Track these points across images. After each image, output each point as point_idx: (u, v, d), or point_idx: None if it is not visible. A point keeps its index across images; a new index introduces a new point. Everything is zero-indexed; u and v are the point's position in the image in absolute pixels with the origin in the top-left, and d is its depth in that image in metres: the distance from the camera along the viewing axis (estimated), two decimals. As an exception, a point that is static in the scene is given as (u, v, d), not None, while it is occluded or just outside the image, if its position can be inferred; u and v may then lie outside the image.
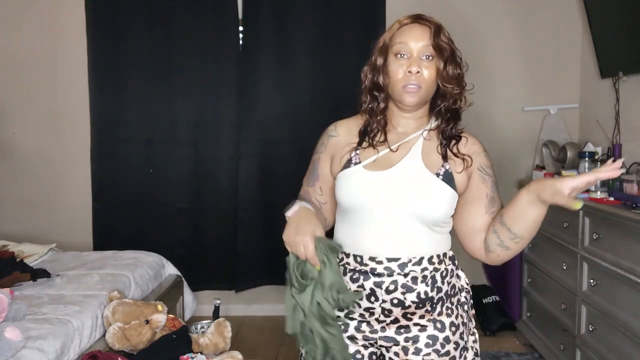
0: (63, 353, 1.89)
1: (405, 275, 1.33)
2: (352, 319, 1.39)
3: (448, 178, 1.34)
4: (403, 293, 1.33)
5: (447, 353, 1.36)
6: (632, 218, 2.10)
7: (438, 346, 1.36)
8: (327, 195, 1.46)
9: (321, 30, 3.49)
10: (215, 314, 2.91)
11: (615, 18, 2.79)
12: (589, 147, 2.86)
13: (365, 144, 1.40)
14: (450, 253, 1.41)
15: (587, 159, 2.68)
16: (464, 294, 1.45)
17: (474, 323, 1.47)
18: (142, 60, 3.53)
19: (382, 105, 1.40)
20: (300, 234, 1.25)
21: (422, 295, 1.34)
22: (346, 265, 1.38)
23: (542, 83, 3.53)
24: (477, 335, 1.46)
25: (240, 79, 3.52)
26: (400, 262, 1.33)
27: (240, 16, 3.51)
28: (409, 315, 1.36)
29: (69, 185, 3.67)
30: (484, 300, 3.48)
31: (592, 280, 2.43)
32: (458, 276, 1.43)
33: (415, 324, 1.36)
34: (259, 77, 3.53)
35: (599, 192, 2.49)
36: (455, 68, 1.36)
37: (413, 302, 1.34)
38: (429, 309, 1.36)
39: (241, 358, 2.22)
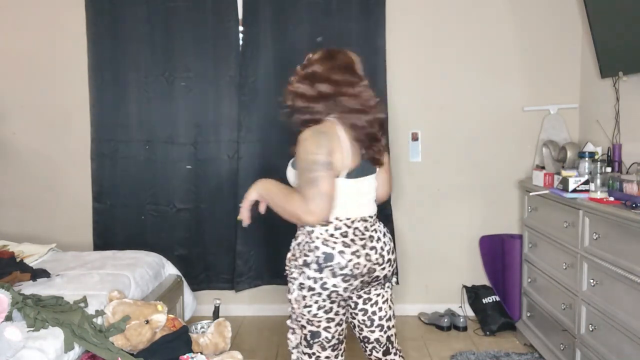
0: (63, 353, 1.89)
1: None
2: None
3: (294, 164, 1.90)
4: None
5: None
6: (632, 218, 2.09)
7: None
8: None
9: (321, 30, 3.48)
10: (215, 314, 2.91)
11: (615, 18, 2.79)
12: (589, 147, 2.86)
13: None
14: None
15: (587, 159, 2.67)
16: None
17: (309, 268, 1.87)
18: (142, 60, 3.53)
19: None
20: None
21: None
22: None
23: (542, 83, 3.53)
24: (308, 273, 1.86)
25: (240, 79, 3.53)
26: None
27: (240, 16, 3.51)
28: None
29: (69, 185, 3.67)
30: (484, 300, 3.48)
31: (592, 280, 2.43)
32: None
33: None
34: (258, 77, 3.53)
35: (599, 192, 2.48)
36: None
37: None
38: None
39: (241, 358, 2.22)
